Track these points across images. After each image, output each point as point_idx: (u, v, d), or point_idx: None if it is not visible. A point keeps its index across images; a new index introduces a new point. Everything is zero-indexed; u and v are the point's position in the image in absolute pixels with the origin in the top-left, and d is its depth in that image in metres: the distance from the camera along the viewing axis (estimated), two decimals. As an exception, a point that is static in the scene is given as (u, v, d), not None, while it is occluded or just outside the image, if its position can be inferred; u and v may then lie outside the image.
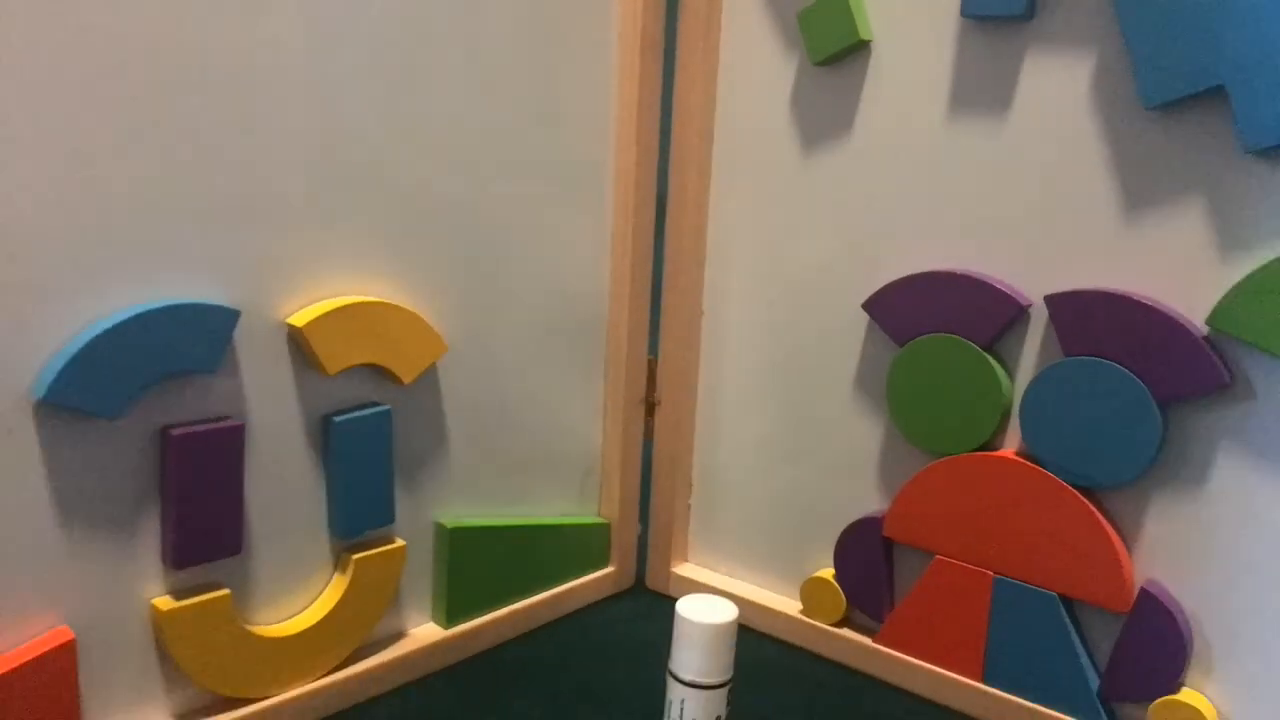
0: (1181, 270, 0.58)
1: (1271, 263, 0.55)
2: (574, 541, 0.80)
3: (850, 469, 0.73)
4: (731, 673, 0.54)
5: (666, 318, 0.80)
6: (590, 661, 0.73)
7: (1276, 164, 0.55)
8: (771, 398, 0.76)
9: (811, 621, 0.75)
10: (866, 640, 0.72)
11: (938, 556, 0.68)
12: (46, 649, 0.53)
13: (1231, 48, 0.54)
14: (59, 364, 0.51)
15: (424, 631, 0.72)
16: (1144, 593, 0.61)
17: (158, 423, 0.56)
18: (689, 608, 0.53)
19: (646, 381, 0.81)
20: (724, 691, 0.54)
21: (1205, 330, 0.58)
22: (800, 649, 0.75)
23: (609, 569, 0.83)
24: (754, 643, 0.76)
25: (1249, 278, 0.55)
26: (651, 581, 0.83)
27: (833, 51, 0.68)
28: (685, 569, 0.82)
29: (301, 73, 0.59)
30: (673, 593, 0.82)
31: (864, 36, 0.67)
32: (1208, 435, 0.59)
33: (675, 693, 0.54)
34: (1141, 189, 0.59)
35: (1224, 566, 0.59)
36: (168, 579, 0.58)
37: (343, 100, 0.61)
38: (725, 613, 0.53)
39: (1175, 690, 0.61)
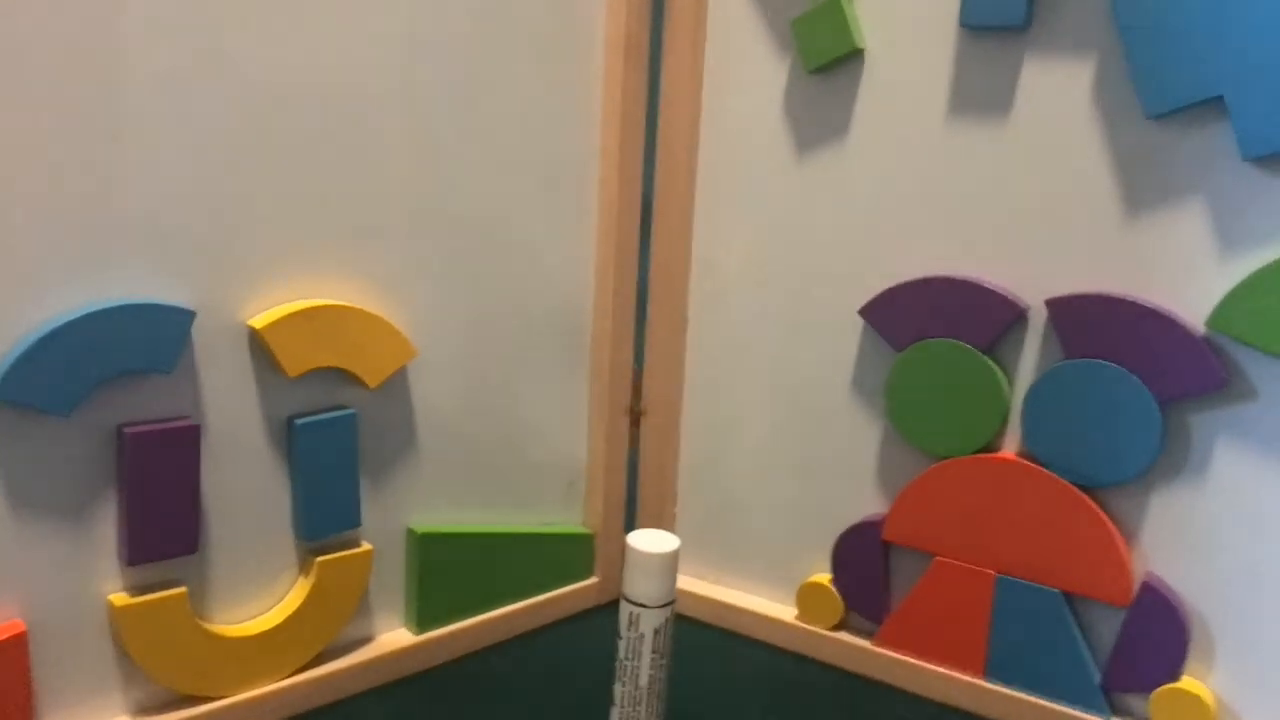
0: (1180, 274, 0.61)
1: (1270, 265, 0.57)
2: (555, 551, 0.79)
3: (845, 474, 0.73)
4: (673, 596, 0.60)
5: (651, 326, 0.79)
6: (567, 672, 0.72)
7: (1273, 171, 0.57)
8: (763, 406, 0.76)
9: (808, 627, 0.75)
10: (865, 643, 0.73)
11: (938, 558, 0.69)
12: (-2, 641, 0.52)
13: (1230, 58, 0.56)
14: (9, 361, 0.52)
15: (394, 637, 0.71)
16: (1145, 586, 0.63)
17: (113, 421, 0.56)
18: (638, 539, 0.59)
19: (632, 390, 0.80)
20: (667, 610, 0.60)
21: (1204, 331, 0.60)
22: (797, 655, 0.75)
23: (592, 580, 0.81)
24: (750, 650, 0.76)
25: (1247, 280, 0.58)
26: (638, 592, 0.82)
27: (828, 60, 0.69)
28: (673, 579, 0.81)
29: (268, 71, 0.58)
30: (661, 603, 0.81)
31: (860, 45, 0.68)
32: (1207, 433, 0.61)
33: (626, 610, 0.60)
34: (1140, 194, 0.61)
35: (1223, 559, 0.62)
36: (124, 575, 0.58)
37: (312, 100, 0.60)
38: (669, 544, 0.59)
39: (1176, 679, 0.63)
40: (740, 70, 0.74)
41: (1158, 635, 0.63)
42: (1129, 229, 0.62)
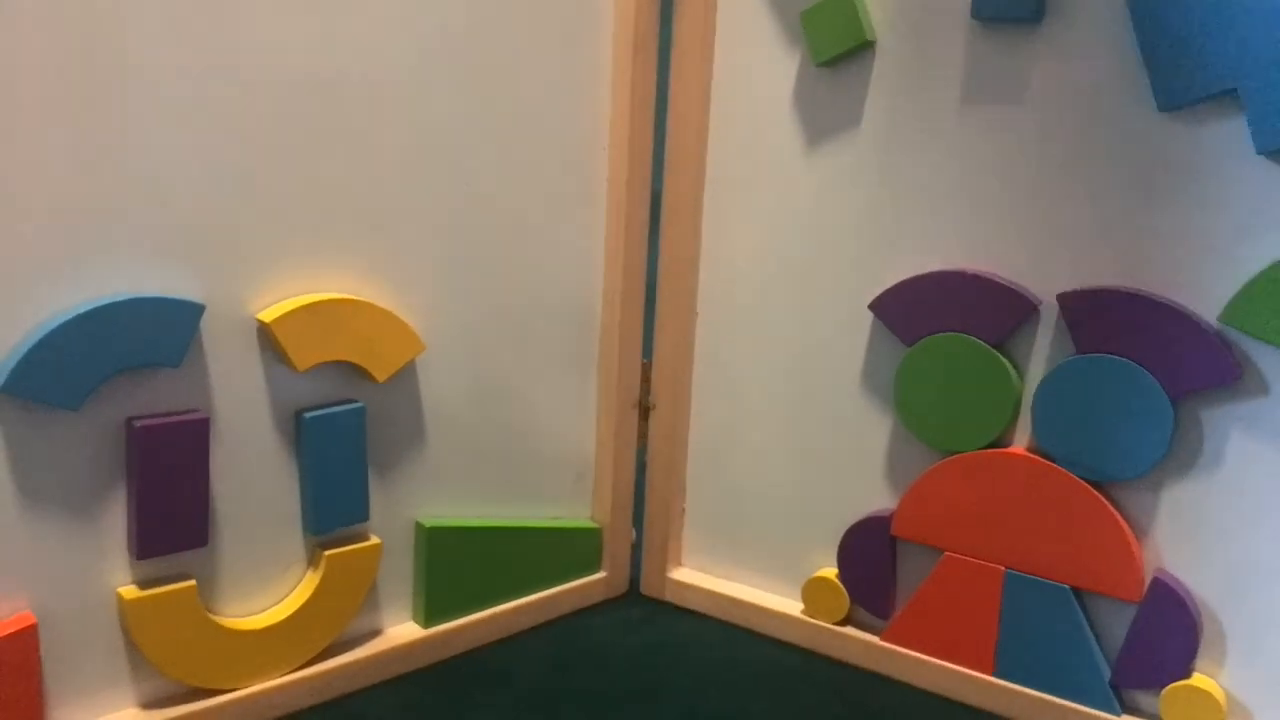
0: (1193, 268, 0.60)
1: (1283, 260, 0.57)
2: (563, 545, 0.79)
3: (853, 469, 0.73)
4: None
5: (661, 319, 0.79)
6: (575, 665, 0.72)
7: (1288, 165, 0.57)
8: (771, 400, 0.76)
9: (814, 621, 0.75)
10: (873, 638, 0.73)
11: (947, 553, 0.69)
12: (7, 632, 0.54)
13: (1244, 52, 0.56)
14: (19, 355, 0.52)
15: (402, 630, 0.71)
16: (1156, 582, 0.63)
17: (123, 414, 0.57)
18: None
19: (641, 384, 0.80)
20: None
21: (1217, 326, 0.59)
22: (804, 650, 0.75)
23: (600, 574, 0.81)
24: (756, 645, 0.76)
25: (1261, 275, 0.58)
26: (646, 587, 0.82)
27: (837, 52, 0.69)
28: (681, 573, 0.81)
29: (277, 66, 0.58)
30: (669, 598, 0.81)
31: (869, 38, 0.68)
32: (1219, 428, 0.61)
33: None
34: (1152, 189, 0.61)
35: (1235, 555, 0.61)
36: (134, 569, 0.59)
37: (321, 95, 0.60)
38: None
39: (1186, 676, 0.63)
40: (749, 63, 0.73)
41: (1169, 632, 0.62)
42: (1141, 223, 0.61)
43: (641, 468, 0.82)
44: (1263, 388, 0.59)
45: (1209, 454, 0.61)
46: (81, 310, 0.53)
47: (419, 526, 0.71)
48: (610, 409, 0.79)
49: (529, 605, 0.77)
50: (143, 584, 0.58)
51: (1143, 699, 0.65)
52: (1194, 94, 0.58)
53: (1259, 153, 0.57)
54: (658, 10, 0.74)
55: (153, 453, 0.56)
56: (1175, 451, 0.62)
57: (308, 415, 0.63)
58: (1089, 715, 0.65)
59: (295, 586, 0.65)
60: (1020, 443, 0.67)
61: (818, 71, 0.71)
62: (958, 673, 0.69)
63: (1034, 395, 0.65)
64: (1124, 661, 0.64)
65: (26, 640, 0.54)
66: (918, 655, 0.71)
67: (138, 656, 0.59)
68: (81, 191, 0.53)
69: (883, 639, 0.72)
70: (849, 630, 0.74)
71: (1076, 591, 0.65)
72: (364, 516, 0.67)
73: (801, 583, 0.75)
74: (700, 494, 0.81)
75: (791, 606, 0.76)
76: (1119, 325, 0.62)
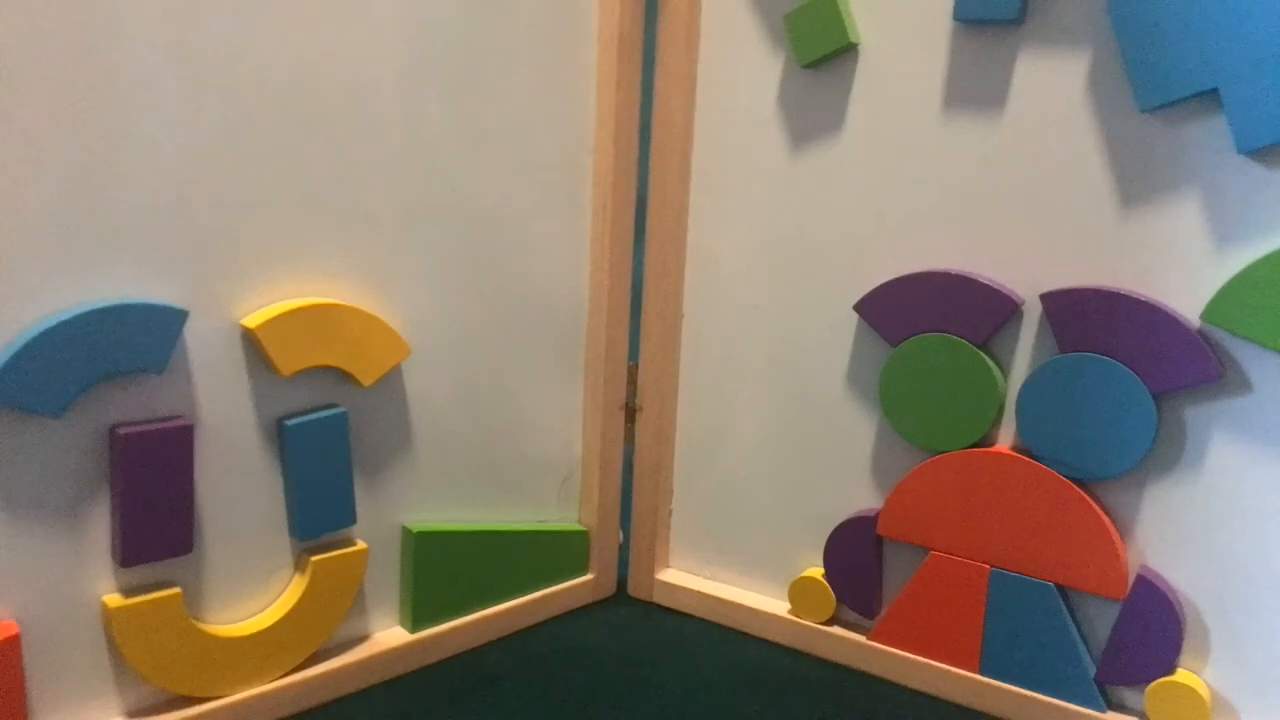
0: (1175, 267, 0.61)
1: (1264, 258, 0.57)
2: (550, 548, 0.79)
3: (839, 469, 0.73)
4: None
5: (647, 322, 0.79)
6: (562, 669, 0.72)
7: (1268, 164, 0.57)
8: (758, 401, 0.76)
9: (801, 621, 0.75)
10: (860, 637, 0.73)
11: (933, 552, 0.69)
12: (-10, 642, 0.52)
13: (1224, 51, 0.56)
14: (1, 362, 0.51)
15: (389, 635, 0.71)
16: (1140, 579, 0.63)
17: (106, 421, 0.56)
18: None
19: (627, 387, 0.80)
20: None
21: (1199, 325, 0.60)
22: (791, 649, 0.75)
23: (588, 576, 0.81)
24: (744, 645, 0.76)
25: (1242, 273, 0.58)
26: (634, 589, 0.82)
27: (821, 55, 0.69)
28: (668, 575, 0.81)
29: (261, 71, 0.58)
30: (656, 599, 0.81)
31: (853, 40, 0.68)
32: (1201, 426, 0.61)
33: None
34: (1134, 188, 0.61)
35: (1217, 551, 0.62)
36: (118, 576, 0.58)
37: (304, 98, 0.60)
38: None
39: (1171, 672, 0.63)
40: (734, 66, 0.73)
41: (1152, 628, 0.63)
42: (1123, 222, 0.62)
43: (628, 470, 0.82)
44: (1245, 386, 0.60)
45: (1192, 452, 0.62)
46: (64, 317, 0.53)
47: (406, 531, 0.71)
48: (597, 411, 0.79)
49: (516, 608, 0.77)
50: (127, 592, 0.58)
51: (1128, 695, 0.65)
52: (1174, 94, 0.58)
53: (1240, 152, 0.57)
54: (642, 13, 0.74)
55: (137, 460, 0.56)
56: (1158, 450, 0.62)
57: (289, 422, 0.62)
58: (1074, 712, 0.66)
59: (281, 592, 0.65)
60: (1005, 442, 0.67)
61: (802, 73, 0.71)
62: (944, 671, 0.70)
63: (1018, 394, 0.65)
64: (1109, 658, 0.65)
65: (9, 650, 0.54)
66: (904, 654, 0.71)
67: (123, 665, 0.59)
68: (64, 197, 0.53)
69: (869, 638, 0.72)
70: (835, 630, 0.74)
71: (1061, 589, 0.66)
72: (350, 521, 0.67)
73: (788, 583, 0.76)
74: (687, 495, 0.81)
75: (778, 606, 0.77)
76: (1102, 324, 0.62)
